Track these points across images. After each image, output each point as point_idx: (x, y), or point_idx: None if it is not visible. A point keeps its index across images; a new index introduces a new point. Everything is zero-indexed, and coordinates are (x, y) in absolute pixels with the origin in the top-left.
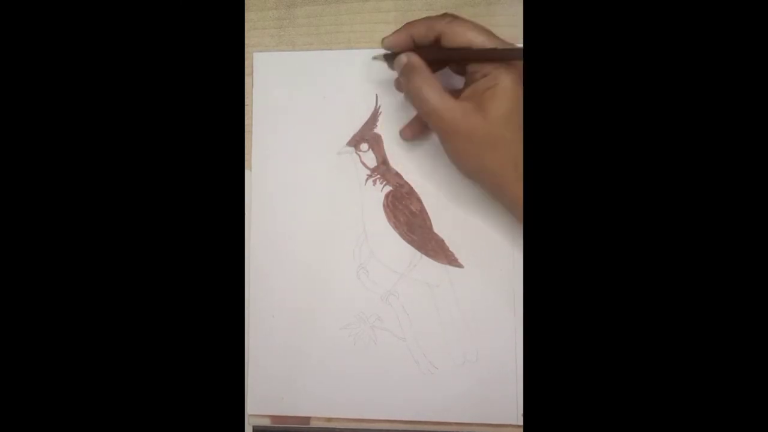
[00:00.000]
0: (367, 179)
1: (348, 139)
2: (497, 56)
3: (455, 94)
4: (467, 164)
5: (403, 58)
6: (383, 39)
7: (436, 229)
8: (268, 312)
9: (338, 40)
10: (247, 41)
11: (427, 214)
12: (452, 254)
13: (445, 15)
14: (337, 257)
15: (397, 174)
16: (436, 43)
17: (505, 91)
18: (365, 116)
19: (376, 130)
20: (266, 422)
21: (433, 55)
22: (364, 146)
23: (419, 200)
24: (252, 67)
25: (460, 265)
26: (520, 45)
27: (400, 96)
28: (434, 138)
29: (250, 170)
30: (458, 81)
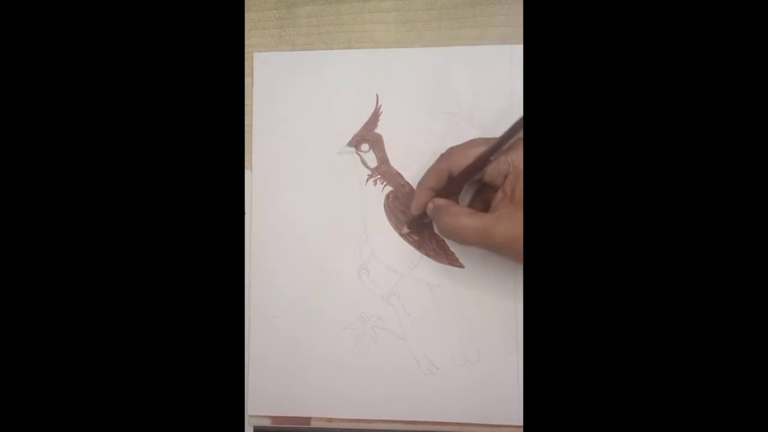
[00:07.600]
0: (367, 179)
1: (348, 139)
2: (503, 139)
3: (483, 206)
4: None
5: (430, 205)
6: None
7: (436, 230)
8: (269, 312)
9: (338, 40)
10: (247, 41)
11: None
12: (453, 254)
13: (441, 155)
14: (337, 258)
15: (398, 174)
16: (450, 178)
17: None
18: (365, 116)
19: (376, 130)
20: (266, 422)
21: (452, 188)
22: (365, 146)
23: None
24: (252, 67)
25: (460, 265)
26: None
27: (401, 96)
28: (434, 140)
29: (250, 170)
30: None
